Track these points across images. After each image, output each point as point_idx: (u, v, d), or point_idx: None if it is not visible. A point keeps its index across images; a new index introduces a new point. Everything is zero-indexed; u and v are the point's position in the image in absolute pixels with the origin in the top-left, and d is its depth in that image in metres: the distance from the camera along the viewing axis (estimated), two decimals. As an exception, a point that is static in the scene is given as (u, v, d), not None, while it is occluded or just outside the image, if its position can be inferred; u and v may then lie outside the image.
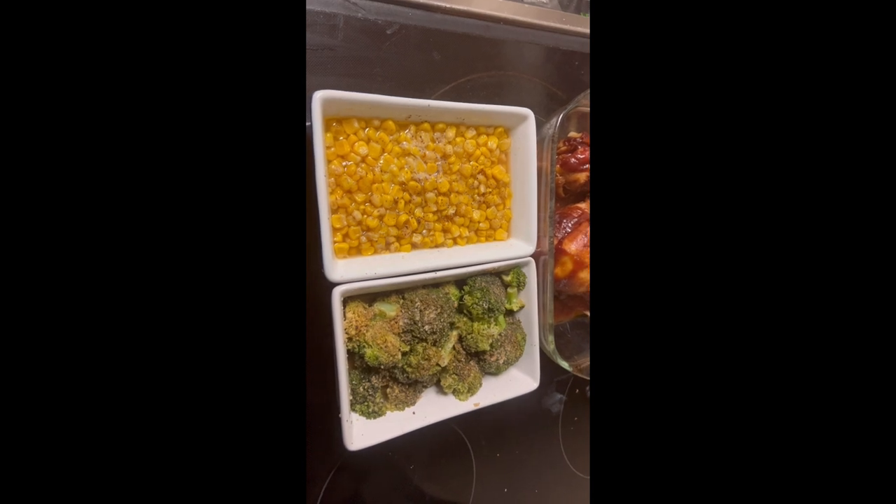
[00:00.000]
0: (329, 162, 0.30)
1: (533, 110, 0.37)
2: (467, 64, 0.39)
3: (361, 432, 0.32)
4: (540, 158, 0.38)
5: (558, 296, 0.44)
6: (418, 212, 0.34)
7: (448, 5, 0.38)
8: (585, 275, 0.42)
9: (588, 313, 0.48)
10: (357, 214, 0.32)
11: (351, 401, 0.33)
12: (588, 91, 0.40)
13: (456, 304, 0.36)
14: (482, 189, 0.37)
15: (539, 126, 0.38)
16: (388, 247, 0.34)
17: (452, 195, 0.35)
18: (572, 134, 0.43)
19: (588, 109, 0.43)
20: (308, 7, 0.32)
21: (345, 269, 0.31)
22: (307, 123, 0.29)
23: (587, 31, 0.46)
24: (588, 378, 0.45)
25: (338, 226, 0.31)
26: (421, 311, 0.34)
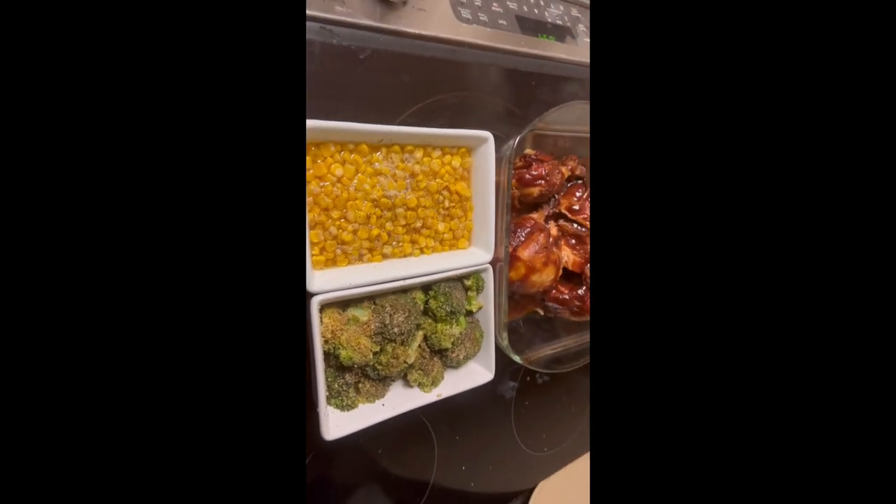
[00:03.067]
0: (308, 183, 0.33)
1: (493, 127, 0.41)
2: (434, 85, 0.42)
3: (336, 423, 0.36)
4: (498, 174, 0.42)
5: (512, 296, 0.49)
6: (389, 226, 0.38)
7: (416, 31, 0.40)
8: (536, 277, 0.47)
9: (539, 310, 0.53)
10: (333, 230, 0.35)
11: (327, 396, 0.36)
12: (543, 115, 0.45)
13: (422, 308, 0.40)
14: (446, 203, 0.41)
15: (498, 142, 0.42)
16: (361, 258, 0.37)
17: (420, 210, 0.39)
18: (527, 151, 0.48)
19: (540, 131, 0.48)
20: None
21: (322, 280, 0.34)
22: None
23: (544, 52, 0.50)
24: (538, 370, 0.50)
25: (315, 240, 0.34)
26: (391, 315, 0.37)
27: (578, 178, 0.52)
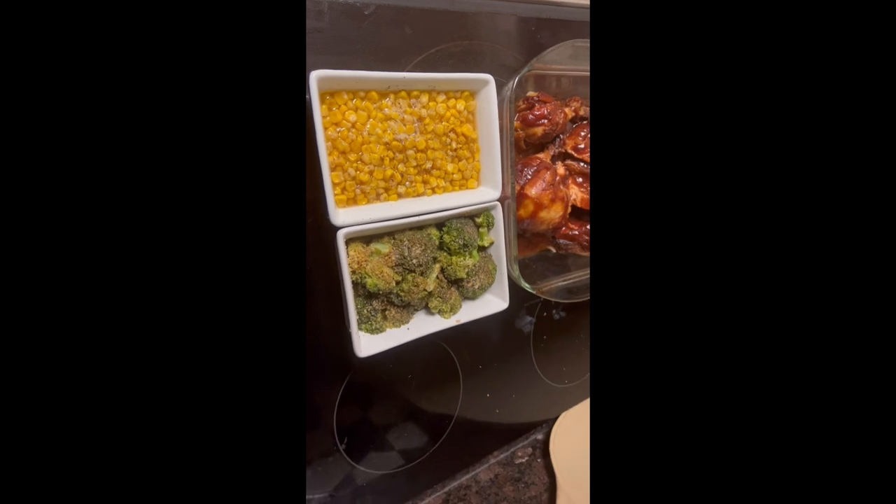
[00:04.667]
0: (326, 129, 0.37)
1: (495, 72, 0.44)
2: (436, 36, 0.45)
3: (367, 344, 0.41)
4: (501, 116, 0.45)
5: (523, 234, 0.53)
6: (401, 167, 0.41)
7: (416, -16, 0.43)
8: (545, 214, 0.51)
9: (551, 248, 0.56)
10: (351, 171, 0.39)
11: (357, 320, 0.41)
12: (540, 55, 0.47)
13: (437, 242, 0.44)
14: (454, 145, 0.44)
15: (500, 87, 0.45)
16: (378, 197, 0.41)
17: (429, 151, 0.42)
18: (530, 93, 0.50)
19: (541, 72, 0.50)
20: (297, -4, 0.38)
21: (345, 215, 0.38)
22: (307, 97, 0.36)
23: (542, -3, 0.52)
24: (551, 299, 0.54)
25: (336, 181, 0.39)
26: (409, 248, 0.42)
27: (583, 118, 0.54)
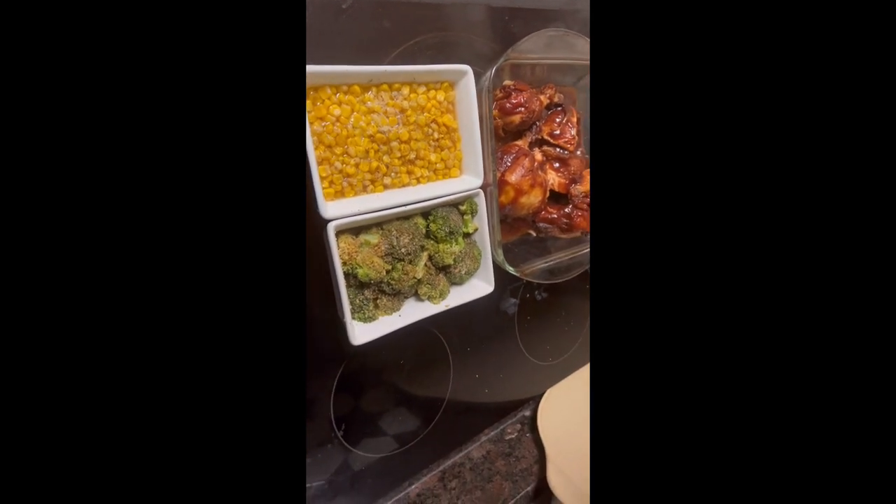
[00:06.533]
0: (311, 124, 0.38)
1: (471, 62, 0.45)
2: (413, 28, 0.46)
3: (361, 332, 0.43)
4: (480, 105, 0.46)
5: (505, 219, 0.55)
6: (386, 158, 0.42)
7: (391, -24, 0.44)
8: (525, 199, 0.52)
9: (531, 232, 0.59)
10: (338, 164, 0.40)
11: (351, 310, 0.43)
12: (515, 45, 0.48)
13: (424, 231, 0.46)
14: (436, 135, 0.45)
15: (478, 77, 0.46)
16: (365, 189, 0.42)
17: (412, 142, 0.44)
18: (507, 82, 0.52)
19: (516, 61, 0.51)
20: (275, -9, 0.38)
21: (334, 208, 0.39)
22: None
23: (514, -13, 0.53)
24: (533, 280, 0.56)
25: (324, 175, 0.39)
26: (397, 237, 0.43)
27: (557, 104, 0.56)
